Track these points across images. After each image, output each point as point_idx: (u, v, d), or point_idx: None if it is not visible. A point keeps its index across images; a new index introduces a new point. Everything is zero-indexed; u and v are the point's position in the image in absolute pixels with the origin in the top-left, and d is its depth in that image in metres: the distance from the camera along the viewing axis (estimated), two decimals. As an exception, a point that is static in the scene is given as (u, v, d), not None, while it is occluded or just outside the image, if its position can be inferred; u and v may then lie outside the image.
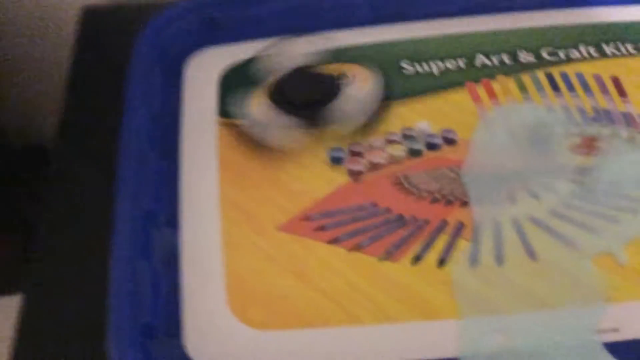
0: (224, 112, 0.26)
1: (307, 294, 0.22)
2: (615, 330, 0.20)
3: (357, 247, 0.22)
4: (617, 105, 0.26)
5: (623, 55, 0.28)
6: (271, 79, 0.26)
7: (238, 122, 0.26)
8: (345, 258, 0.22)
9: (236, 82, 0.27)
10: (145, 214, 0.23)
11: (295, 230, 0.23)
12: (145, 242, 0.23)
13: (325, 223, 0.23)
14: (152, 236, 0.23)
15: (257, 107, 0.26)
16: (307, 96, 0.26)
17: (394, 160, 0.25)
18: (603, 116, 0.26)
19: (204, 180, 0.24)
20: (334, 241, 0.23)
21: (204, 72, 0.28)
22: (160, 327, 0.21)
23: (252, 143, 0.25)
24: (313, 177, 0.24)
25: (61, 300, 0.26)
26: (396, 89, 0.27)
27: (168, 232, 0.23)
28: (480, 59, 0.28)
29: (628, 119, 0.25)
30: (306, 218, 0.23)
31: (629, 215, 0.23)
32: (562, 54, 0.28)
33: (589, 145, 0.25)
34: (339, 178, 0.24)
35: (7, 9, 0.40)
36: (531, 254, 0.22)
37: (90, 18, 0.36)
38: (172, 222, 0.23)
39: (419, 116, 0.26)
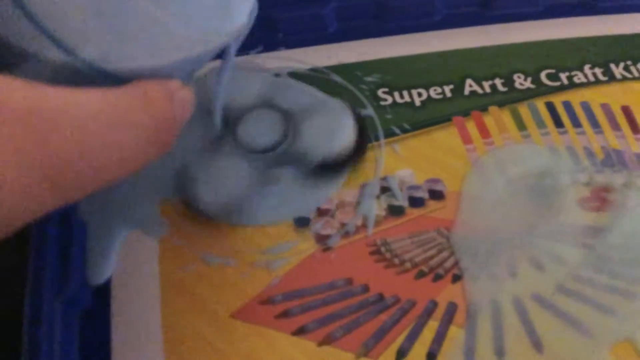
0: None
1: (268, 401, 0.18)
2: None
3: (329, 340, 0.19)
4: (631, 144, 0.22)
5: (635, 79, 0.24)
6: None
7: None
8: (314, 354, 0.18)
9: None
10: (68, 299, 0.19)
11: (252, 318, 0.19)
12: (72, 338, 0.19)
13: (290, 307, 0.19)
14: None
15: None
16: (264, 139, 0.21)
17: (371, 220, 0.21)
18: (615, 159, 0.22)
19: (140, 251, 0.20)
20: (300, 332, 0.19)
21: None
22: None
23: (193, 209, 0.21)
24: (274, 245, 0.20)
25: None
26: (372, 126, 0.23)
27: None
28: (470, 85, 0.24)
29: (643, 161, 0.22)
30: (267, 301, 0.19)
31: (650, 289, 0.19)
32: (564, 78, 0.24)
33: (600, 198, 0.21)
34: (305, 245, 0.20)
35: None
36: (536, 344, 0.18)
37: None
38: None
39: (399, 162, 0.22)
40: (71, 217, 0.20)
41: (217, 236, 0.20)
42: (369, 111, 0.23)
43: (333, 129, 0.21)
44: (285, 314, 0.19)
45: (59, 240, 0.20)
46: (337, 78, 0.24)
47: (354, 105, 0.22)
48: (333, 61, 0.24)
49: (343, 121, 0.21)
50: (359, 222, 0.21)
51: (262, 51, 0.25)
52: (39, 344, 0.17)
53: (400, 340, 0.19)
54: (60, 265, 0.19)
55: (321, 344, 0.18)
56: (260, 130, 0.21)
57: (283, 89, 0.22)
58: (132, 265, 0.20)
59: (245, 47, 0.21)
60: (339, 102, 0.22)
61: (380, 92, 0.24)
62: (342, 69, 0.24)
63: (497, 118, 0.23)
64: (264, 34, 0.25)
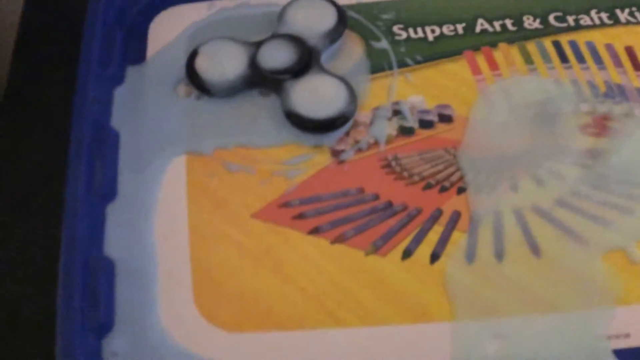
0: (193, 76, 0.23)
1: (284, 291, 0.19)
2: (626, 335, 0.18)
3: (341, 239, 0.20)
4: (632, 80, 0.23)
5: (639, 23, 0.25)
6: (245, 42, 0.23)
7: (207, 90, 0.23)
8: (328, 251, 0.20)
9: (206, 43, 0.24)
10: (101, 196, 0.21)
11: (271, 218, 0.20)
12: (100, 228, 0.20)
13: (306, 210, 0.21)
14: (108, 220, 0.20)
15: (228, 74, 0.23)
16: (285, 65, 0.23)
17: (383, 139, 0.22)
18: (616, 92, 0.23)
19: (169, 160, 0.21)
20: (315, 231, 0.20)
21: (172, 31, 0.25)
22: (118, 327, 0.19)
23: (223, 117, 0.22)
24: (291, 157, 0.22)
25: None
26: (386, 57, 0.24)
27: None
28: (481, 24, 0.25)
29: (643, 96, 0.23)
30: (284, 204, 0.21)
31: (643, 206, 0.20)
32: (571, 20, 0.25)
33: (601, 125, 0.22)
34: (321, 159, 0.22)
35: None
36: (534, 249, 0.20)
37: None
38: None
39: (411, 89, 0.23)
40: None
41: (238, 149, 0.22)
42: (384, 44, 0.24)
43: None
44: (301, 216, 0.20)
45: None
46: (353, 14, 0.25)
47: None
48: (352, 1, 0.26)
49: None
50: (372, 140, 0.22)
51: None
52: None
53: (406, 241, 0.20)
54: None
55: (334, 242, 0.20)
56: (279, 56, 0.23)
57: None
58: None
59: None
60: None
61: (395, 28, 0.25)
62: (359, 7, 0.26)
63: (506, 53, 0.24)
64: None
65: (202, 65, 0.23)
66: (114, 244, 0.20)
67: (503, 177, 0.21)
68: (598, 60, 0.24)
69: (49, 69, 0.27)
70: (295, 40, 0.23)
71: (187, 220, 0.20)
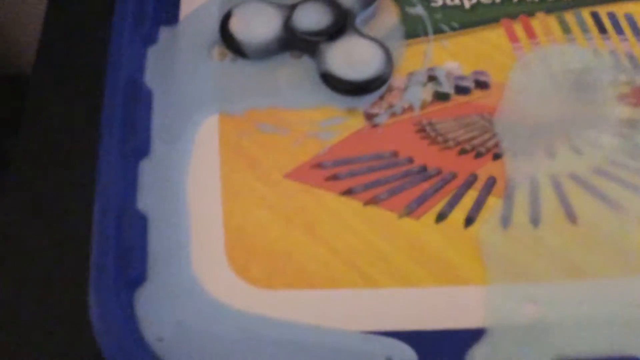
0: (227, 38, 0.23)
1: (316, 250, 0.19)
2: (662, 305, 0.18)
3: (374, 201, 0.20)
4: (672, 52, 0.23)
5: (680, -4, 0.25)
6: (280, 4, 0.23)
7: (241, 52, 0.23)
8: (360, 212, 0.20)
9: (241, 4, 0.24)
10: (133, 150, 0.21)
11: (304, 179, 0.20)
12: (133, 183, 0.20)
13: (339, 172, 0.20)
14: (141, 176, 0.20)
15: (262, 36, 0.22)
16: (320, 27, 0.22)
17: (418, 104, 0.22)
18: (655, 63, 0.23)
19: (202, 120, 0.21)
20: (348, 192, 0.20)
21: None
22: (150, 280, 0.19)
23: (257, 79, 0.22)
24: (325, 119, 0.22)
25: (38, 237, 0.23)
26: (421, 23, 0.24)
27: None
28: (518, -7, 0.25)
29: (683, 68, 0.23)
30: (317, 165, 0.21)
31: (683, 176, 0.20)
32: (610, -9, 0.25)
33: (639, 95, 0.22)
34: (354, 122, 0.21)
35: None
36: (571, 215, 0.19)
37: None
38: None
39: (447, 55, 0.23)
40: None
41: (271, 111, 0.22)
42: (418, 10, 0.24)
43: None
44: (334, 177, 0.20)
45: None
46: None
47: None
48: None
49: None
50: (406, 105, 0.22)
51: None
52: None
53: (440, 205, 0.20)
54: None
55: (367, 203, 0.20)
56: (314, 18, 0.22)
57: None
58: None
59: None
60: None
61: (431, -5, 0.25)
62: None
63: (544, 22, 0.24)
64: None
65: (236, 27, 0.23)
66: (147, 200, 0.20)
67: (540, 144, 0.21)
68: (637, 32, 0.24)
69: (81, 28, 0.27)
70: (330, 2, 0.23)
71: (219, 178, 0.20)
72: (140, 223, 0.19)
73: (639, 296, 0.18)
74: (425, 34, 0.24)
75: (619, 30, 0.24)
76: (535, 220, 0.19)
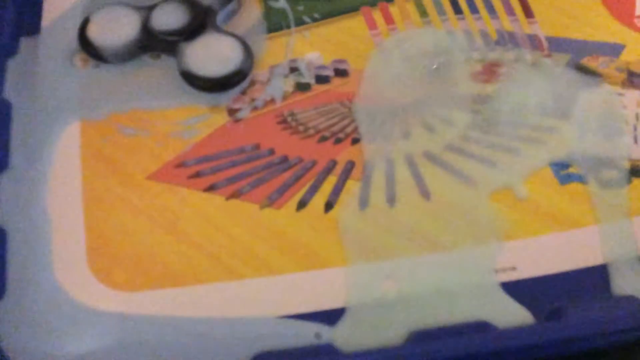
0: (85, 44, 0.23)
1: (180, 249, 0.19)
2: (513, 269, 0.19)
3: (236, 194, 0.20)
4: (523, 27, 0.24)
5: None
6: (137, 6, 0.23)
7: (101, 57, 0.23)
8: (223, 207, 0.20)
9: (98, 9, 0.23)
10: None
11: (167, 179, 0.21)
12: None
13: (202, 169, 0.21)
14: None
15: (121, 39, 0.22)
16: (178, 26, 0.23)
17: (279, 96, 0.22)
18: (507, 39, 0.24)
19: (63, 128, 0.21)
20: (211, 188, 0.20)
21: (64, 1, 0.24)
22: (9, 290, 0.18)
23: (118, 82, 0.22)
24: (188, 118, 0.22)
25: None
26: (284, 16, 0.24)
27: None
28: (378, -19, 0.25)
29: (534, 42, 0.24)
30: (180, 165, 0.21)
31: (531, 146, 0.21)
32: (466, -27, 0.26)
33: (491, 71, 0.23)
34: (217, 118, 0.22)
35: None
36: (424, 192, 0.20)
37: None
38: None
39: (308, 46, 0.23)
40: None
41: (134, 114, 0.22)
42: (281, 3, 0.24)
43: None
44: (197, 174, 0.21)
45: None
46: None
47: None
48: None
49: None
50: (268, 98, 0.22)
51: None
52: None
53: (301, 193, 0.20)
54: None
55: (229, 197, 0.20)
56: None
57: None
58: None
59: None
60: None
61: (293, -12, 0.25)
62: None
63: (402, 7, 0.25)
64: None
65: (94, 32, 0.22)
66: (6, 214, 0.20)
67: (396, 126, 0.22)
68: (491, 10, 0.25)
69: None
70: (189, 1, 0.23)
71: (80, 185, 0.20)
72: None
73: (489, 263, 0.19)
74: (288, 26, 0.24)
75: (473, 9, 0.25)
76: (391, 200, 0.20)
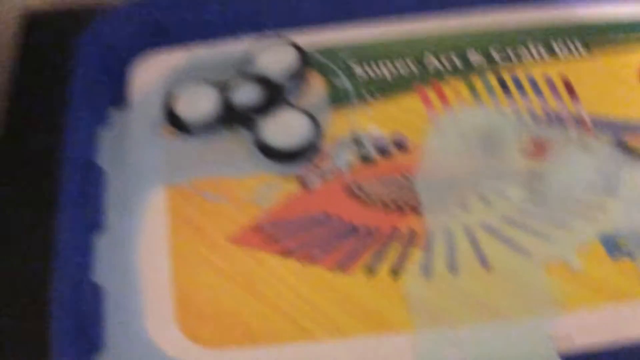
0: (171, 118, 0.25)
1: (259, 309, 0.21)
2: (569, 338, 0.20)
3: (310, 259, 0.22)
4: (568, 107, 0.26)
5: (571, 54, 0.28)
6: (217, 84, 0.25)
7: (186, 130, 0.25)
8: (298, 271, 0.22)
9: (183, 86, 0.26)
10: (88, 226, 0.22)
11: (246, 242, 0.22)
12: (88, 256, 0.22)
13: (277, 234, 0.23)
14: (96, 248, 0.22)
15: (204, 115, 0.25)
16: (255, 103, 0.25)
17: (345, 168, 0.24)
18: (554, 118, 0.26)
19: (152, 193, 0.23)
20: (287, 253, 0.22)
21: (151, 76, 0.27)
22: (107, 344, 0.20)
23: (200, 152, 0.24)
24: (262, 186, 0.24)
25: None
26: (346, 93, 0.26)
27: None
28: (430, 61, 0.27)
29: (578, 121, 0.26)
30: (257, 229, 0.23)
31: (580, 220, 0.23)
32: (511, 53, 0.28)
33: (540, 148, 0.25)
34: (289, 187, 0.24)
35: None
36: (484, 262, 0.22)
37: (31, 23, 0.34)
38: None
39: (369, 121, 0.26)
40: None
41: (214, 181, 0.24)
42: (343, 81, 0.27)
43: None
44: (274, 239, 0.22)
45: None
46: (319, 57, 0.27)
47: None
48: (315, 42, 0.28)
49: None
50: (335, 169, 0.24)
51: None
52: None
53: (368, 259, 0.22)
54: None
55: (303, 262, 0.22)
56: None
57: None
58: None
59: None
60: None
61: (353, 67, 0.27)
62: (323, 49, 0.28)
63: (454, 87, 0.27)
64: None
65: (180, 107, 0.25)
66: (102, 271, 0.22)
67: (454, 198, 0.23)
68: (537, 90, 0.27)
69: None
70: (263, 79, 0.25)
71: (168, 246, 0.22)
72: (96, 293, 0.21)
73: (548, 332, 0.21)
74: (350, 102, 0.26)
75: (521, 90, 0.27)
76: (453, 269, 0.22)
